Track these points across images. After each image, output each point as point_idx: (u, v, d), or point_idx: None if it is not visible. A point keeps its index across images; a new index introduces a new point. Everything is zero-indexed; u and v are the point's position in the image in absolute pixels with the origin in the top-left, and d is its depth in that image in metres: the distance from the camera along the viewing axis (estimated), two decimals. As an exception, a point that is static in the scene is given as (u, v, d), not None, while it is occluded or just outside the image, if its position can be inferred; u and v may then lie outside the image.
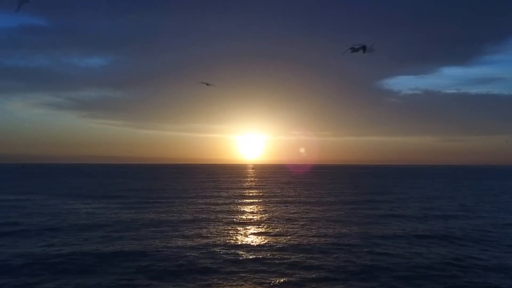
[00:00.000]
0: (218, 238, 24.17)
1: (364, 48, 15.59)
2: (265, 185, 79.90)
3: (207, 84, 32.56)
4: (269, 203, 45.39)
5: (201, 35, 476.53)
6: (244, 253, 20.41)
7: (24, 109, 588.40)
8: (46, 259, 18.97)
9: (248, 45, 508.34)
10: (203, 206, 40.86)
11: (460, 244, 23.21)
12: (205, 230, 26.83)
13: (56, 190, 62.11)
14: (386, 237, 24.67)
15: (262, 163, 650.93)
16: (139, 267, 17.73)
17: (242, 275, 16.89)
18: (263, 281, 16.11)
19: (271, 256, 19.73)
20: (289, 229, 27.30)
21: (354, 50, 15.66)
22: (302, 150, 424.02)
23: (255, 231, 26.73)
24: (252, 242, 23.25)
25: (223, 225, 29.06)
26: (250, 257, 19.60)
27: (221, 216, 33.51)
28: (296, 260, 19.10)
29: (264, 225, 29.08)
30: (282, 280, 16.19)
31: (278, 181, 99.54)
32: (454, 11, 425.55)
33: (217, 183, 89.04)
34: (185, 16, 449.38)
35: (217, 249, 21.04)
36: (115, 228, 27.30)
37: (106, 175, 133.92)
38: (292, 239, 23.84)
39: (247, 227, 28.22)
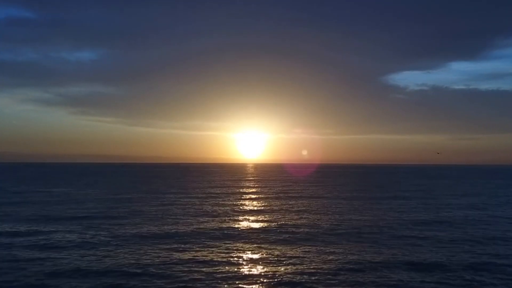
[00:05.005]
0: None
1: None
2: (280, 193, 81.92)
3: None
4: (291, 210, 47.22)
5: (198, 28, 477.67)
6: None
7: (11, 105, 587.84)
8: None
9: (247, 38, 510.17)
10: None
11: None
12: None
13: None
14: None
15: (263, 162, 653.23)
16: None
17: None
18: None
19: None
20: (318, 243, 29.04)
21: None
22: (304, 152, 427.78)
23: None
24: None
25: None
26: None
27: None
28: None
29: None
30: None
31: (286, 180, 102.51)
32: (463, 2, 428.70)
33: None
34: (181, 8, 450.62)
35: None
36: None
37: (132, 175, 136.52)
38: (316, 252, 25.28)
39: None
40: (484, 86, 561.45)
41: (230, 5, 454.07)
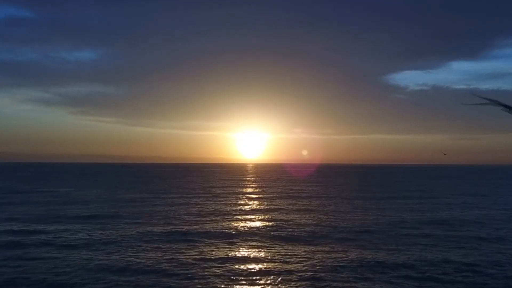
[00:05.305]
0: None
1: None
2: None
3: None
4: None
5: (198, 28, 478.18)
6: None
7: (11, 105, 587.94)
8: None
9: (247, 38, 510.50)
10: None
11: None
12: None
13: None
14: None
15: (263, 162, 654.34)
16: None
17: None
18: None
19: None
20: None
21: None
22: (304, 152, 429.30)
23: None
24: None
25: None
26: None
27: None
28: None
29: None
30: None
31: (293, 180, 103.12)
32: (463, 2, 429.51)
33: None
34: (181, 8, 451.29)
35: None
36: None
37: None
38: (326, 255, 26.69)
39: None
40: (484, 86, 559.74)
41: (230, 5, 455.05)
